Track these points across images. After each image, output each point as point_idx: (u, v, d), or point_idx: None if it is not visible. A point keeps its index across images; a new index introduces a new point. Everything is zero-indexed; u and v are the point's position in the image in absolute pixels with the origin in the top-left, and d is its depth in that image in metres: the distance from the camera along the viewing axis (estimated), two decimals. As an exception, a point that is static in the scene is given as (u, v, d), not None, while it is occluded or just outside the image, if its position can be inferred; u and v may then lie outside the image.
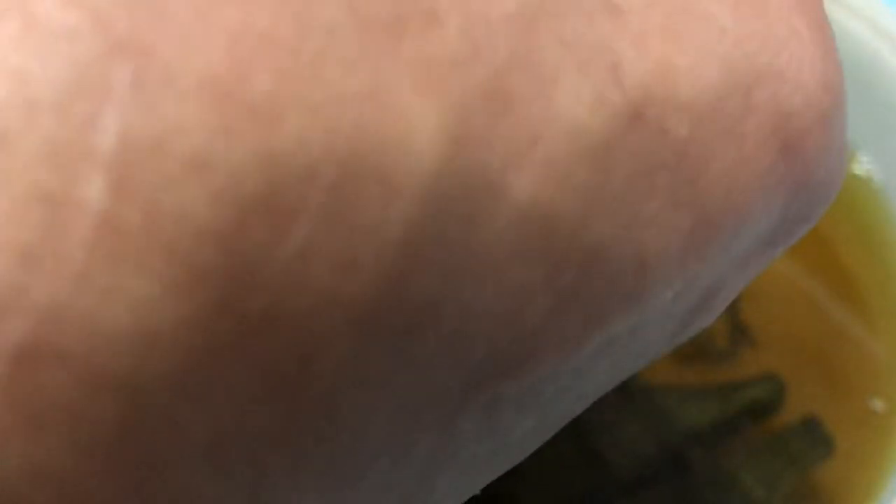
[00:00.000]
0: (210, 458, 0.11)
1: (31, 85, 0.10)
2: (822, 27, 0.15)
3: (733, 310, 0.26)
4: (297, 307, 0.11)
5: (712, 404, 0.25)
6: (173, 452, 0.10)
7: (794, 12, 0.14)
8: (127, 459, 0.10)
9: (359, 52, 0.11)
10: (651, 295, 0.13)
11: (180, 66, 0.10)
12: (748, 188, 0.14)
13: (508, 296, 0.12)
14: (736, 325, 0.26)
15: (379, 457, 0.12)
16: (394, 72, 0.11)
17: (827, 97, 0.14)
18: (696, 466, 0.25)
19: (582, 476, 0.24)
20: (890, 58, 0.27)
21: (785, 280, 0.27)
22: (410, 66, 0.11)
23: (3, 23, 0.10)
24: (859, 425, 0.25)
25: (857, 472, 0.25)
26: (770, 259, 0.15)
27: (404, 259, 0.11)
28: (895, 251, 0.27)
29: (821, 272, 0.27)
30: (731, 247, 0.14)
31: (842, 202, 0.27)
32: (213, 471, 0.11)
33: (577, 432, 0.24)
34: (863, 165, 0.28)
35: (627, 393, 0.25)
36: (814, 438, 0.25)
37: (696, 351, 0.26)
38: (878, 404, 0.25)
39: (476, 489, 0.14)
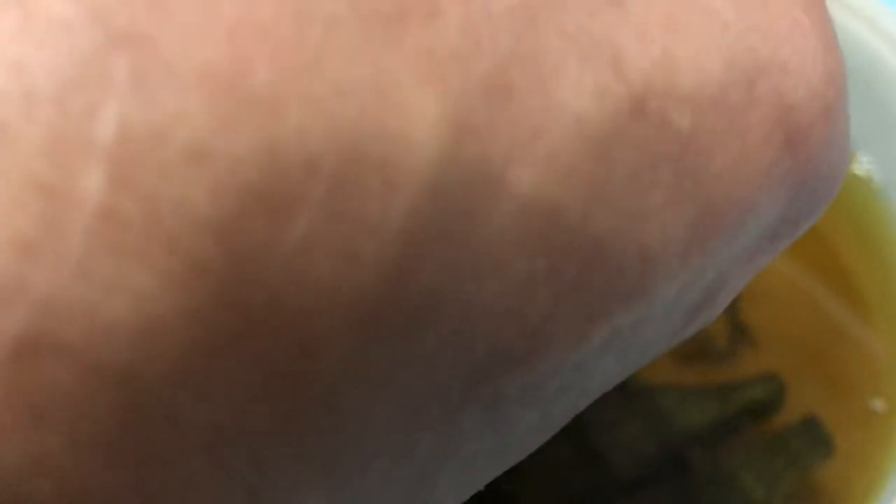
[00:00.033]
0: (210, 454, 0.11)
1: (30, 77, 0.10)
2: (824, 20, 0.15)
3: (733, 310, 0.26)
4: (297, 301, 0.11)
5: (712, 404, 0.25)
6: (174, 448, 0.10)
7: (796, 6, 0.14)
8: (127, 454, 0.10)
9: (360, 45, 0.11)
10: (654, 289, 0.13)
11: (180, 58, 0.10)
12: (752, 181, 0.14)
13: (510, 290, 0.12)
14: (736, 325, 0.26)
15: (381, 453, 0.12)
16: (395, 64, 0.11)
17: (830, 90, 0.14)
18: (696, 466, 0.25)
19: (582, 476, 0.24)
20: (890, 58, 0.27)
21: (785, 280, 0.27)
22: (412, 59, 0.11)
23: (2, 15, 0.10)
24: (859, 425, 0.25)
25: (857, 472, 0.25)
26: (774, 254, 0.15)
27: (405, 252, 0.11)
28: (895, 251, 0.27)
29: (821, 272, 0.27)
30: (734, 241, 0.14)
31: (842, 202, 0.27)
32: (214, 467, 0.11)
33: (577, 432, 0.24)
34: (863, 165, 0.28)
35: (627, 393, 0.25)
36: (814, 438, 0.25)
37: (696, 351, 0.26)
38: (878, 404, 0.25)
39: (479, 486, 0.14)
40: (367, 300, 0.11)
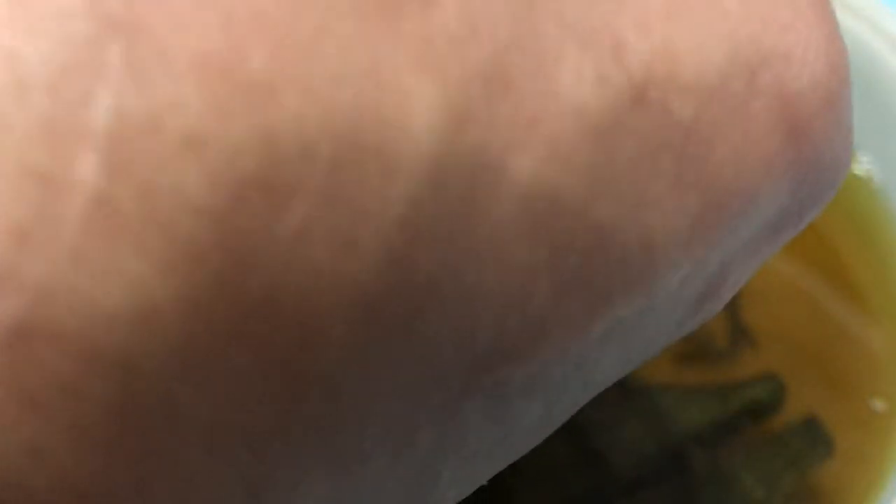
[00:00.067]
0: (209, 442, 0.11)
1: (23, 64, 0.10)
2: (826, 10, 0.14)
3: (733, 310, 0.26)
4: (296, 288, 0.11)
5: (712, 404, 0.25)
6: (171, 435, 0.10)
7: None
8: (124, 442, 0.10)
9: (356, 31, 0.11)
10: (658, 278, 0.13)
11: (174, 45, 0.10)
12: (755, 171, 0.14)
13: (512, 278, 0.12)
14: (736, 325, 0.26)
15: (382, 445, 0.12)
16: (392, 51, 0.11)
17: (833, 79, 0.14)
18: (696, 466, 0.25)
19: (582, 476, 0.24)
20: (890, 58, 0.27)
21: (785, 280, 0.27)
22: (409, 46, 0.11)
23: None
24: (859, 425, 0.25)
25: (857, 472, 0.24)
26: (779, 245, 0.15)
27: (405, 239, 0.11)
28: (895, 251, 0.27)
29: (821, 272, 0.27)
30: (738, 230, 0.14)
31: (842, 202, 0.27)
32: (212, 457, 0.11)
33: (577, 432, 0.24)
34: (863, 165, 0.28)
35: (627, 393, 0.25)
36: (814, 438, 0.25)
37: (695, 351, 0.26)
38: (878, 404, 0.25)
39: (482, 480, 0.14)
40: (366, 288, 0.11)
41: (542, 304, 0.12)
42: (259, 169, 0.10)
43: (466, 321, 0.12)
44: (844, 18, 0.27)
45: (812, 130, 0.14)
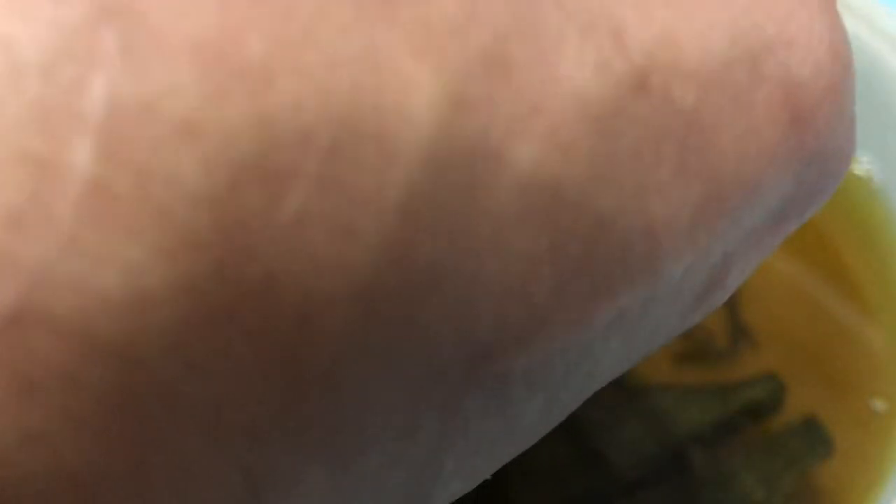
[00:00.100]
0: (207, 432, 0.11)
1: (17, 49, 0.10)
2: None
3: (733, 310, 0.26)
4: (295, 274, 0.10)
5: (712, 404, 0.25)
6: (170, 423, 0.10)
7: None
8: (121, 427, 0.10)
9: (353, 16, 0.11)
10: (661, 267, 0.13)
11: (170, 30, 0.10)
12: (758, 160, 0.13)
13: (513, 266, 0.12)
14: (736, 325, 0.26)
15: (384, 431, 0.12)
16: (390, 36, 0.11)
17: (836, 67, 0.14)
18: (696, 466, 0.25)
19: (582, 476, 0.24)
20: (890, 58, 0.27)
21: (785, 280, 0.27)
22: (407, 31, 0.11)
23: None
24: (859, 425, 0.25)
25: (857, 472, 0.24)
26: (783, 236, 0.15)
27: (404, 225, 0.11)
28: (895, 251, 0.27)
29: (821, 272, 0.27)
30: (742, 219, 0.14)
31: (842, 202, 0.27)
32: (210, 444, 0.11)
33: (577, 432, 0.24)
34: (863, 165, 0.28)
35: (627, 393, 0.25)
36: (814, 438, 0.25)
37: (695, 351, 0.26)
38: (878, 404, 0.25)
39: (486, 474, 0.14)
40: (365, 274, 0.11)
41: (544, 292, 0.12)
42: (256, 154, 0.10)
43: (467, 309, 0.12)
44: (844, 18, 0.27)
45: (815, 118, 0.14)
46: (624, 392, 0.25)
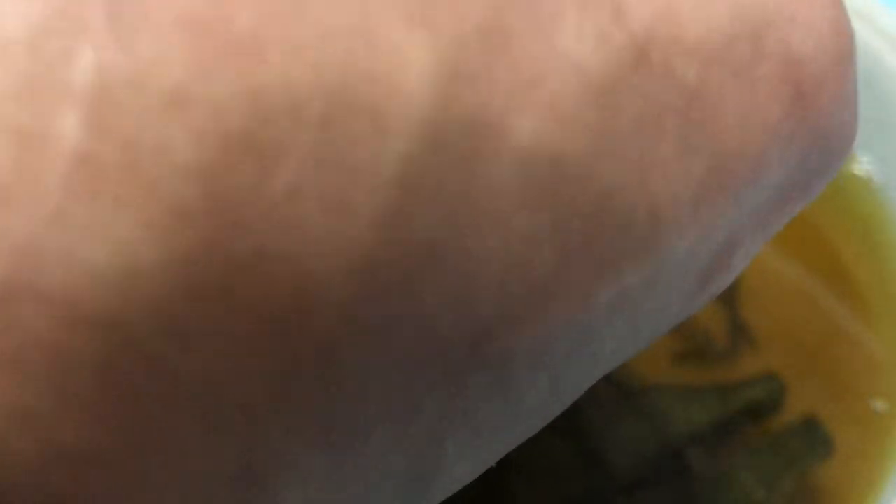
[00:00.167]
0: (200, 410, 0.10)
1: (2, 21, 0.10)
2: None
3: (733, 310, 0.26)
4: (287, 249, 0.10)
5: (712, 404, 0.25)
6: (162, 400, 0.10)
7: None
8: (111, 404, 0.10)
9: None
10: (664, 244, 0.13)
11: (158, 2, 0.10)
12: (761, 136, 0.13)
13: (514, 243, 0.12)
14: (736, 325, 0.26)
15: (383, 414, 0.12)
16: (383, 7, 0.11)
17: (840, 42, 0.14)
18: (696, 466, 0.24)
19: (581, 476, 0.24)
20: (890, 58, 0.27)
21: (785, 280, 0.27)
22: (401, 1, 0.11)
23: None
24: (859, 425, 0.25)
25: (857, 472, 0.24)
26: (787, 217, 0.15)
27: (401, 200, 0.11)
28: (895, 251, 0.27)
29: (821, 272, 0.27)
30: (745, 198, 0.14)
31: (842, 202, 0.27)
32: (203, 423, 0.10)
33: (577, 432, 0.24)
34: (863, 165, 0.28)
35: (627, 393, 0.25)
36: (814, 438, 0.25)
37: (695, 351, 0.26)
38: (878, 404, 0.25)
39: (490, 459, 0.14)
40: (361, 250, 0.11)
41: (545, 268, 0.12)
42: (246, 127, 0.10)
43: (467, 286, 0.12)
44: (844, 19, 0.27)
45: (818, 94, 0.14)
46: (623, 392, 0.25)
